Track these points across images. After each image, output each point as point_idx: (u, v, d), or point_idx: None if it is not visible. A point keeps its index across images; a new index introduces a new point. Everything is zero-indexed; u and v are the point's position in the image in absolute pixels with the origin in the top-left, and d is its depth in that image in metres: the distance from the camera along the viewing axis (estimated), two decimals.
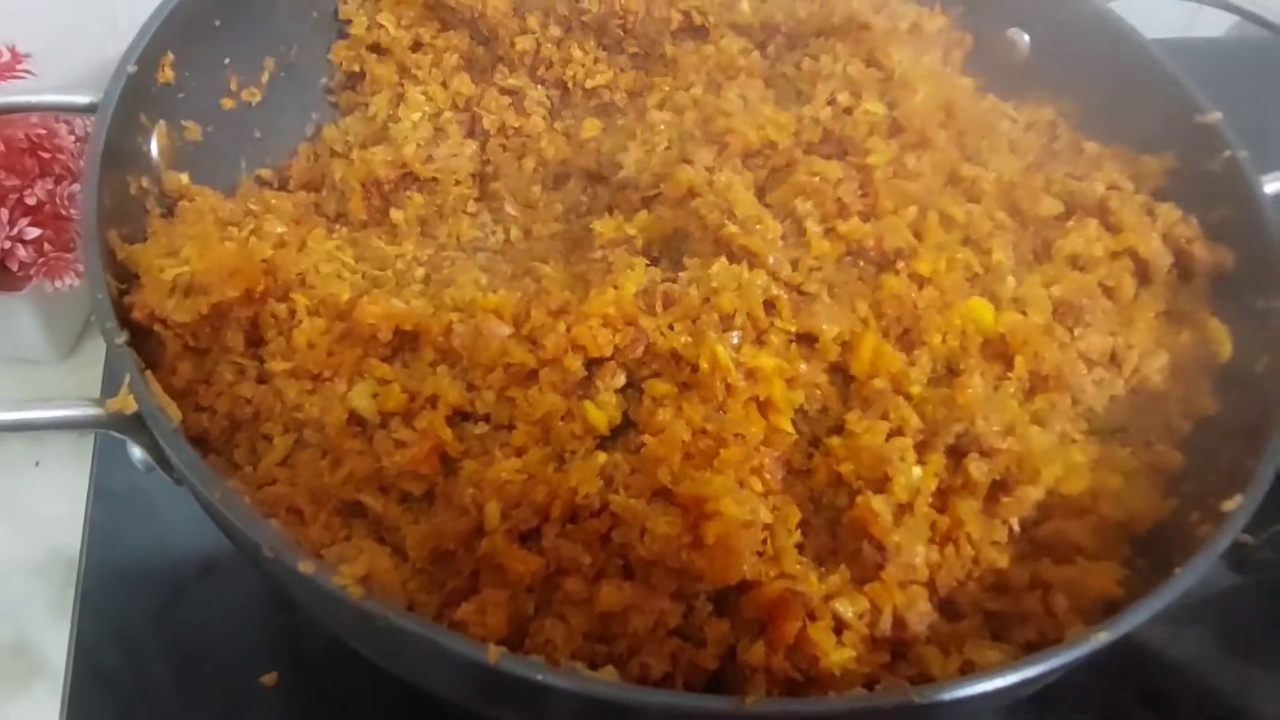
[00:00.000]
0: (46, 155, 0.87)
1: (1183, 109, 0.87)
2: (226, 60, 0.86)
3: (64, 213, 0.87)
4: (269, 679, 0.77)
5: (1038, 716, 0.81)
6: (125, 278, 0.70)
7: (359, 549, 0.60)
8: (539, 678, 0.52)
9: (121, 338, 0.63)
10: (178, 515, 0.84)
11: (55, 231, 0.87)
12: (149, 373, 0.62)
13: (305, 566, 0.55)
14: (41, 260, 0.87)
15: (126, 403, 0.60)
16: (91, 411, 0.62)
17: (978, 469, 0.66)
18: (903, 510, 0.65)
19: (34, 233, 0.86)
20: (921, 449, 0.68)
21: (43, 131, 0.87)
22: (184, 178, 0.79)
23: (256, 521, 0.57)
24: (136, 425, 0.62)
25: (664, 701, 0.54)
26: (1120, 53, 0.92)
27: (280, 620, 0.81)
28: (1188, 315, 0.80)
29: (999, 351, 0.73)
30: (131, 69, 0.74)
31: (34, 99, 0.75)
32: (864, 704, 0.56)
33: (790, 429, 0.68)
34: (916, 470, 0.66)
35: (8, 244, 0.85)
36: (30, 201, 0.86)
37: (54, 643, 0.80)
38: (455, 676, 0.59)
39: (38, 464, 0.90)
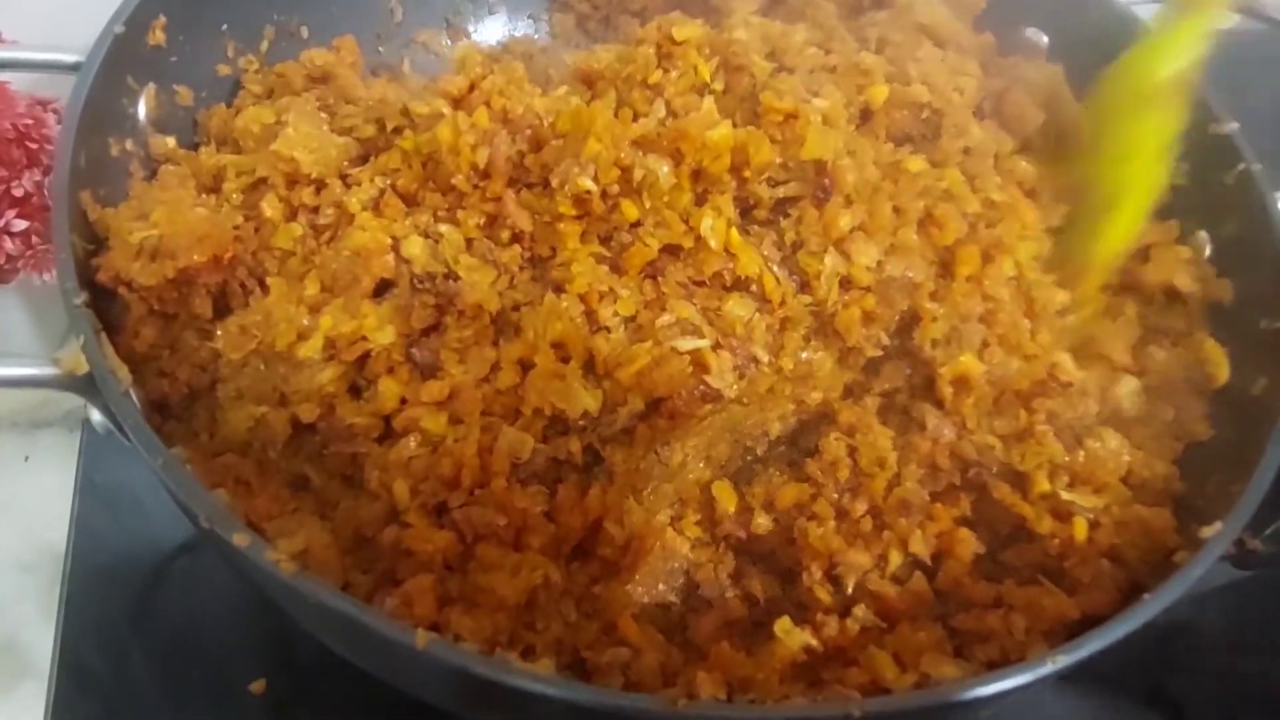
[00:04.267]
0: (34, 146, 0.85)
1: (1199, 117, 0.83)
2: (224, 26, 0.85)
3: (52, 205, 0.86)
4: (257, 687, 0.75)
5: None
6: (97, 240, 0.69)
7: (300, 523, 0.59)
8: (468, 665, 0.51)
9: (80, 298, 0.62)
10: (165, 513, 0.79)
11: (43, 224, 0.85)
12: (103, 334, 0.62)
13: (240, 539, 0.54)
14: (29, 253, 0.85)
15: (79, 363, 0.60)
16: (46, 371, 0.62)
17: None
18: None
19: (21, 225, 0.84)
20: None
21: (30, 122, 0.85)
22: (170, 141, 0.79)
23: (196, 489, 0.56)
24: (91, 387, 0.61)
25: (594, 698, 0.53)
26: None
27: (269, 621, 0.79)
28: (1183, 335, 0.78)
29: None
30: (119, 30, 0.74)
31: (19, 55, 0.74)
32: (801, 714, 0.54)
33: None
34: None
35: None
36: (18, 193, 0.84)
37: (41, 642, 0.78)
38: (392, 662, 0.58)
39: (27, 459, 0.88)
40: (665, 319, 0.66)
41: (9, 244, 0.84)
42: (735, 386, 0.66)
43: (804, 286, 0.70)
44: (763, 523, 0.67)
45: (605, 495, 0.65)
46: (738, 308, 0.67)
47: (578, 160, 0.67)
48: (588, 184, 0.67)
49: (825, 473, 0.67)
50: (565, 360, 0.65)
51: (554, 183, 0.68)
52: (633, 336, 0.66)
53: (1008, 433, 0.69)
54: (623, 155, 0.67)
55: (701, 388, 0.64)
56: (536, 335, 0.66)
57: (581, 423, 0.65)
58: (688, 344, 0.65)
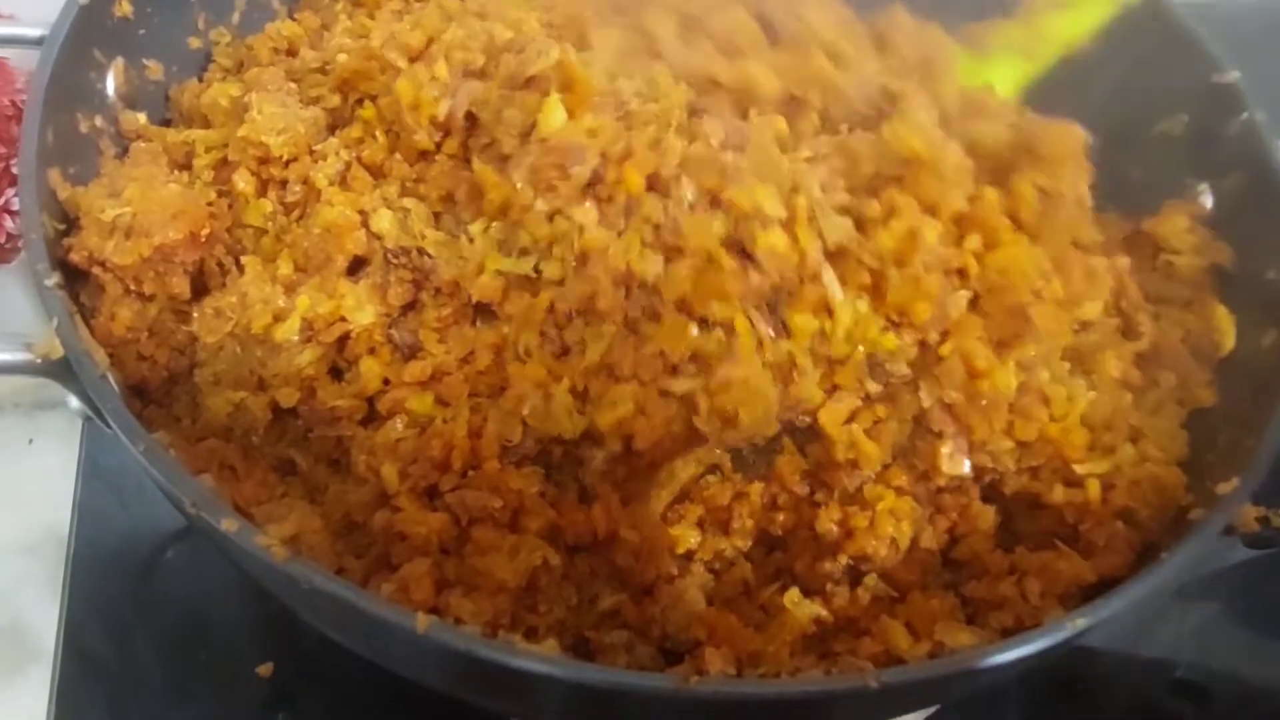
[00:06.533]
0: None
1: (1200, 68, 0.81)
2: None
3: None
4: (264, 670, 0.73)
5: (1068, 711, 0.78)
6: (68, 220, 0.67)
7: (289, 508, 0.57)
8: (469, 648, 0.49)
9: (52, 279, 0.60)
10: None
11: None
12: (78, 317, 0.59)
13: (228, 524, 0.51)
14: None
15: (53, 348, 0.57)
16: (18, 356, 0.59)
17: None
18: None
19: None
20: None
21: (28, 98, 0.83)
22: (141, 117, 0.76)
23: (181, 475, 0.54)
24: (67, 371, 0.59)
25: (603, 678, 0.51)
26: (1137, 9, 0.87)
27: (274, 604, 0.74)
28: (1189, 302, 0.76)
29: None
30: (83, 1, 0.71)
31: None
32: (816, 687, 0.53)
33: None
34: None
35: None
36: (18, 171, 0.82)
37: (46, 625, 0.76)
38: (392, 647, 0.56)
39: (30, 441, 0.86)
40: (649, 348, 0.60)
41: (9, 223, 0.82)
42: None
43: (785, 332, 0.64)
44: (748, 526, 0.65)
45: (611, 510, 0.62)
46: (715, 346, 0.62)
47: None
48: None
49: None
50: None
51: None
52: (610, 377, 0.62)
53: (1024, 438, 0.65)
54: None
55: (689, 433, 0.61)
56: (511, 342, 0.63)
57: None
58: (682, 385, 0.60)
